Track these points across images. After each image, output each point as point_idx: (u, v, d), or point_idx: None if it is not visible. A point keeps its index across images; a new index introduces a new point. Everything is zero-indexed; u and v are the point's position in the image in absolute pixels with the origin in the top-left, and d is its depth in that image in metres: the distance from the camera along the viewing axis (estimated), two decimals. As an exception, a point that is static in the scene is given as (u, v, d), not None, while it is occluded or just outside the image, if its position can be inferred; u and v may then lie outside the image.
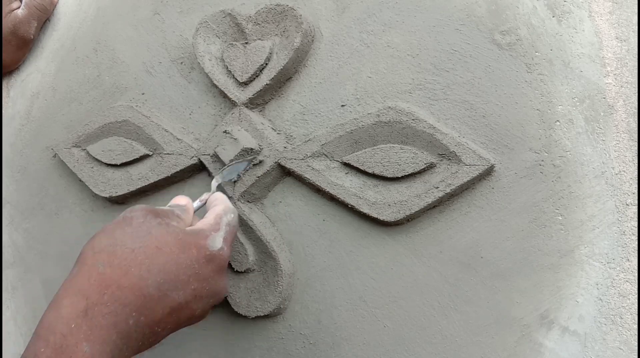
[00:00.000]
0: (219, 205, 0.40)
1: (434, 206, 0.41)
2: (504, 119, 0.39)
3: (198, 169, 0.48)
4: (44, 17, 0.58)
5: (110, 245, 0.34)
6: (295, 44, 0.43)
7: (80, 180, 0.52)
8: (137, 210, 0.36)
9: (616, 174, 0.38)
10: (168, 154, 0.48)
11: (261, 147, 0.44)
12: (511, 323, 0.38)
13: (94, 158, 0.51)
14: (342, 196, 0.42)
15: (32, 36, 0.58)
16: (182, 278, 0.34)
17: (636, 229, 0.37)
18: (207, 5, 0.50)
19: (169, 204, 0.40)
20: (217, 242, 0.37)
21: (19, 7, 0.56)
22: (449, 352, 0.40)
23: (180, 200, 0.40)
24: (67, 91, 0.56)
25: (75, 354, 0.29)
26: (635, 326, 0.36)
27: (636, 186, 0.37)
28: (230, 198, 0.44)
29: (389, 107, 0.41)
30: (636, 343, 0.36)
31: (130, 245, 0.33)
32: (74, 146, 0.53)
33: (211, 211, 0.39)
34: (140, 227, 0.35)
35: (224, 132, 0.45)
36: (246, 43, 0.46)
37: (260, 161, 0.44)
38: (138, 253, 0.33)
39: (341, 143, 0.42)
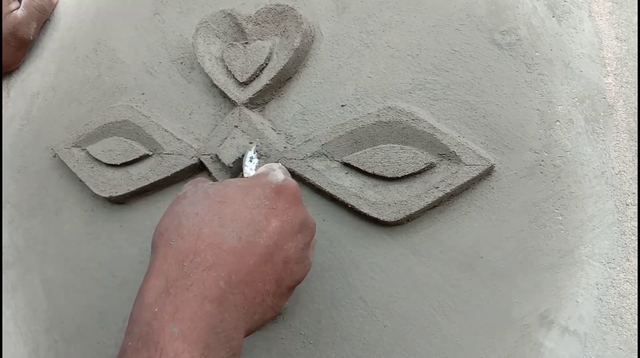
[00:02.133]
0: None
1: (434, 206, 0.41)
2: (504, 119, 0.39)
3: (198, 170, 0.48)
4: (43, 18, 0.58)
5: (173, 220, 0.31)
6: (295, 44, 0.43)
7: (80, 180, 0.52)
8: (187, 185, 0.35)
9: (616, 174, 0.38)
10: (168, 154, 0.48)
11: (258, 149, 0.45)
12: (511, 323, 0.38)
13: (94, 158, 0.51)
14: (342, 196, 0.42)
15: (31, 37, 0.58)
16: (257, 218, 0.31)
17: (636, 229, 0.37)
18: (207, 5, 0.50)
19: None
20: (279, 175, 0.35)
21: (18, 8, 0.56)
22: (449, 352, 0.40)
23: None
24: (67, 91, 0.56)
25: (162, 338, 0.25)
26: (635, 326, 0.36)
27: (636, 186, 0.37)
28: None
29: (389, 107, 0.41)
30: (636, 343, 0.36)
31: (192, 210, 0.31)
32: (74, 146, 0.53)
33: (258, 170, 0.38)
34: (196, 193, 0.33)
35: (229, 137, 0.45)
36: (246, 43, 0.46)
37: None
38: (203, 214, 0.31)
39: (341, 143, 0.42)
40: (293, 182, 0.35)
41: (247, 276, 0.30)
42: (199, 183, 0.35)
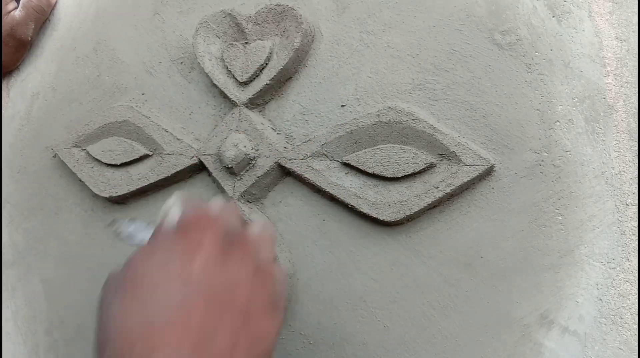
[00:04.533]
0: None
1: (434, 206, 0.41)
2: (504, 119, 0.39)
3: (198, 169, 0.48)
4: (41, 19, 0.58)
5: (101, 332, 0.27)
6: (295, 44, 0.43)
7: (80, 180, 0.52)
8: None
9: (616, 174, 0.38)
10: (168, 154, 0.48)
11: (257, 151, 0.44)
12: (511, 323, 0.38)
13: (94, 158, 0.51)
14: (342, 196, 0.42)
15: (29, 38, 0.58)
16: (174, 274, 0.28)
17: (636, 229, 0.37)
18: (207, 5, 0.50)
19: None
20: (173, 217, 0.32)
21: (16, 9, 0.56)
22: (449, 352, 0.40)
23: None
24: (67, 91, 0.56)
25: None
26: (635, 326, 0.36)
27: (636, 186, 0.37)
28: (230, 198, 0.44)
29: (389, 107, 0.41)
30: (636, 343, 0.36)
31: (111, 313, 0.28)
32: (74, 146, 0.53)
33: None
34: (107, 292, 0.30)
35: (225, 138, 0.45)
36: (246, 43, 0.46)
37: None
38: (122, 311, 0.28)
39: (341, 143, 0.42)
40: (193, 211, 0.31)
41: (201, 332, 0.26)
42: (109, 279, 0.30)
